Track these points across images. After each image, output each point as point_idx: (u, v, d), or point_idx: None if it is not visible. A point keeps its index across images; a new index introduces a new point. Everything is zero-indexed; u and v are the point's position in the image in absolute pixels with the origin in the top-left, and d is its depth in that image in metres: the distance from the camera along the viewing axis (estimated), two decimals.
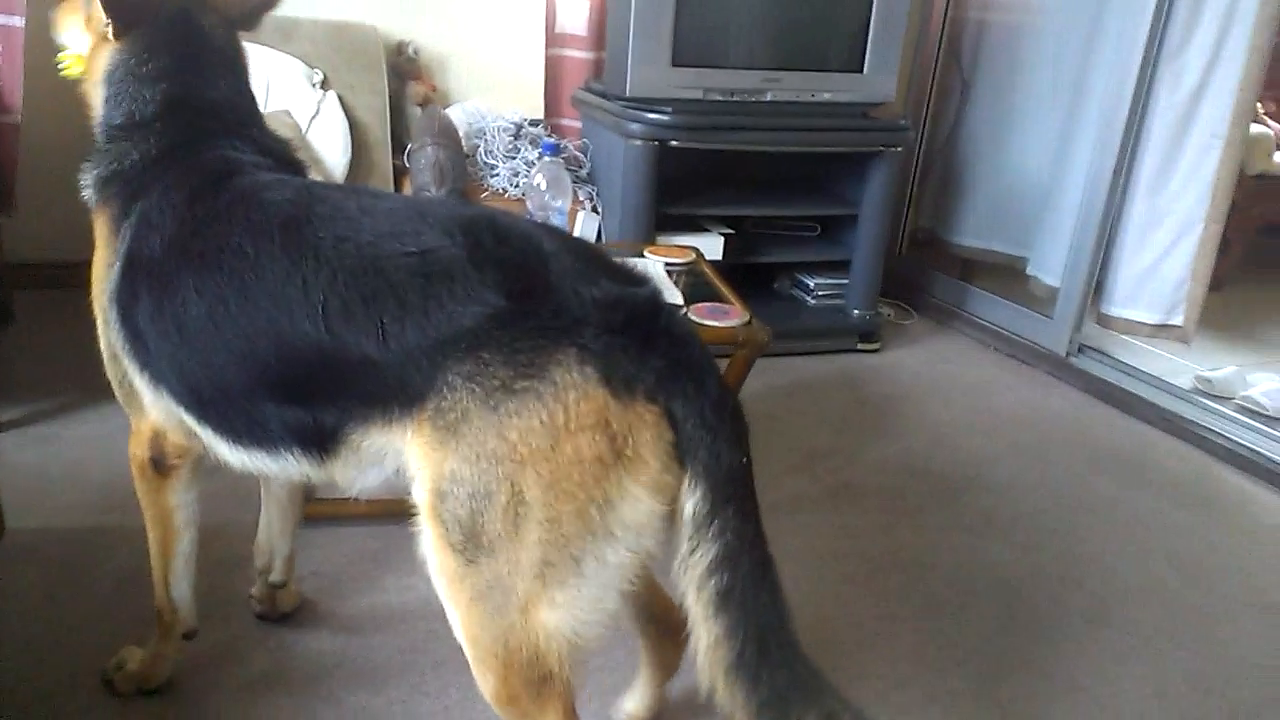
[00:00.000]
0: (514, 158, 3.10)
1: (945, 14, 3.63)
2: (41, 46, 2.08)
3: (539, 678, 1.10)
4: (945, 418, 2.77)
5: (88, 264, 1.31)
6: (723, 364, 1.96)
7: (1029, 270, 3.36)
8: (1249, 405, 2.75)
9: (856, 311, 3.19)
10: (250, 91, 1.41)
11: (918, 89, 3.70)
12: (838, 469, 2.38)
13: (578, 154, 3.16)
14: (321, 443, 1.18)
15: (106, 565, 1.77)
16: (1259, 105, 3.91)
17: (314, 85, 2.84)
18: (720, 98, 2.90)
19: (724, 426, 1.07)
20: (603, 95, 3.02)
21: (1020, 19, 3.50)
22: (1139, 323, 3.02)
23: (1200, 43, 2.78)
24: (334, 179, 2.81)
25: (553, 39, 3.29)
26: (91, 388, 2.06)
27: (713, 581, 1.06)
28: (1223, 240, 2.95)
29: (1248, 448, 2.60)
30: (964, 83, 3.60)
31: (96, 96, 1.34)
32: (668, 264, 2.34)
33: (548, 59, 3.32)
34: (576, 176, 3.11)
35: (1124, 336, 3.11)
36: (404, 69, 3.19)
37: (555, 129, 3.33)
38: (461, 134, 3.04)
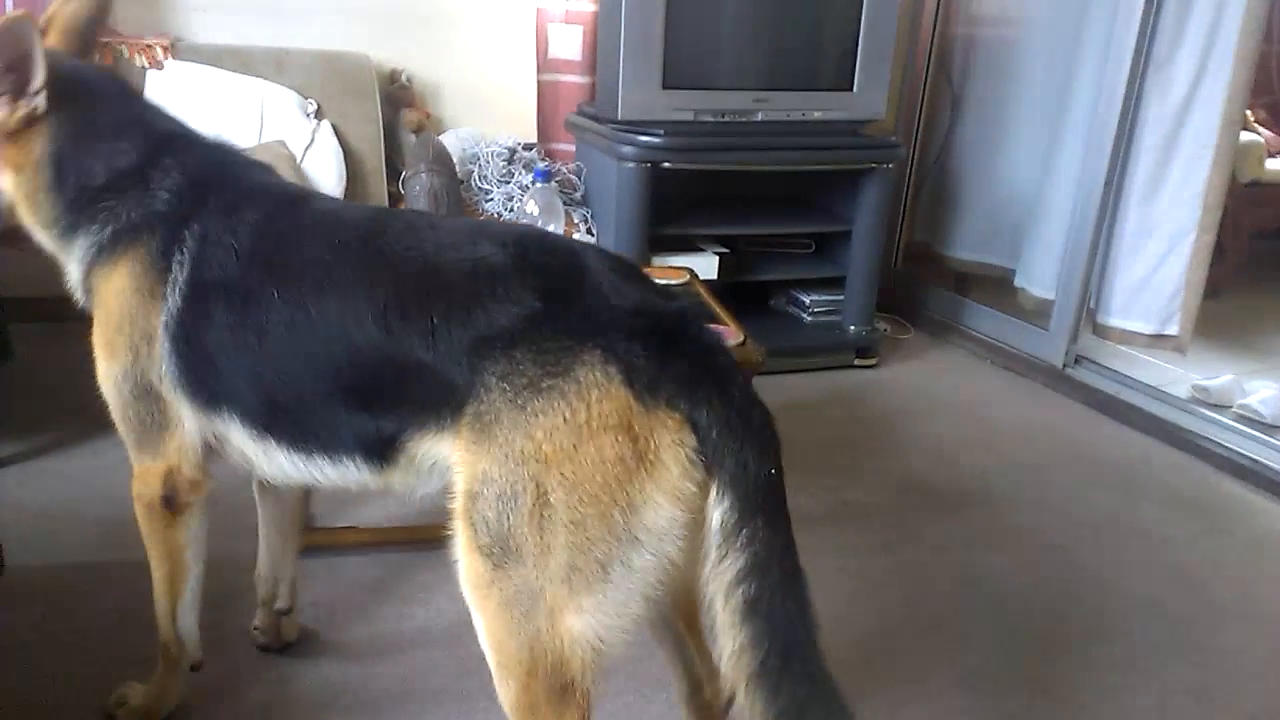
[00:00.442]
0: (508, 182, 3.12)
1: (934, 30, 3.66)
2: None
3: (561, 686, 1.10)
4: (943, 433, 2.77)
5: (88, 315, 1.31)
6: None
7: (1017, 282, 3.37)
8: (1247, 414, 2.75)
9: (853, 327, 3.20)
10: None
11: (908, 105, 3.72)
12: (837, 487, 2.38)
13: (572, 177, 3.18)
14: (382, 451, 1.22)
15: (105, 601, 1.77)
16: (1248, 113, 3.93)
17: (308, 115, 2.86)
18: (711, 119, 2.92)
19: (751, 436, 1.08)
20: (595, 119, 3.04)
21: (1008, 33, 3.53)
22: (1135, 333, 3.03)
23: (1187, 52, 2.80)
24: None
25: (545, 64, 3.31)
26: (89, 423, 2.08)
27: (740, 590, 1.06)
28: (1217, 248, 2.96)
29: (1247, 456, 2.59)
30: (954, 97, 3.62)
31: (40, 179, 1.31)
32: (663, 285, 2.34)
33: (540, 84, 3.34)
34: (571, 199, 3.13)
35: (1120, 347, 3.11)
36: (397, 96, 3.21)
37: (549, 153, 3.35)
38: (456, 160, 3.06)
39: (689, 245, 3.08)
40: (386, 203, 3.01)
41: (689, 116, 2.89)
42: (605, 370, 1.07)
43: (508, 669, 1.12)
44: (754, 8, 2.96)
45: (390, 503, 2.09)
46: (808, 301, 3.25)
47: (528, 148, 3.25)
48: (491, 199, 3.08)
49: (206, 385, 1.28)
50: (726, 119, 2.94)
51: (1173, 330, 2.96)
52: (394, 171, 3.05)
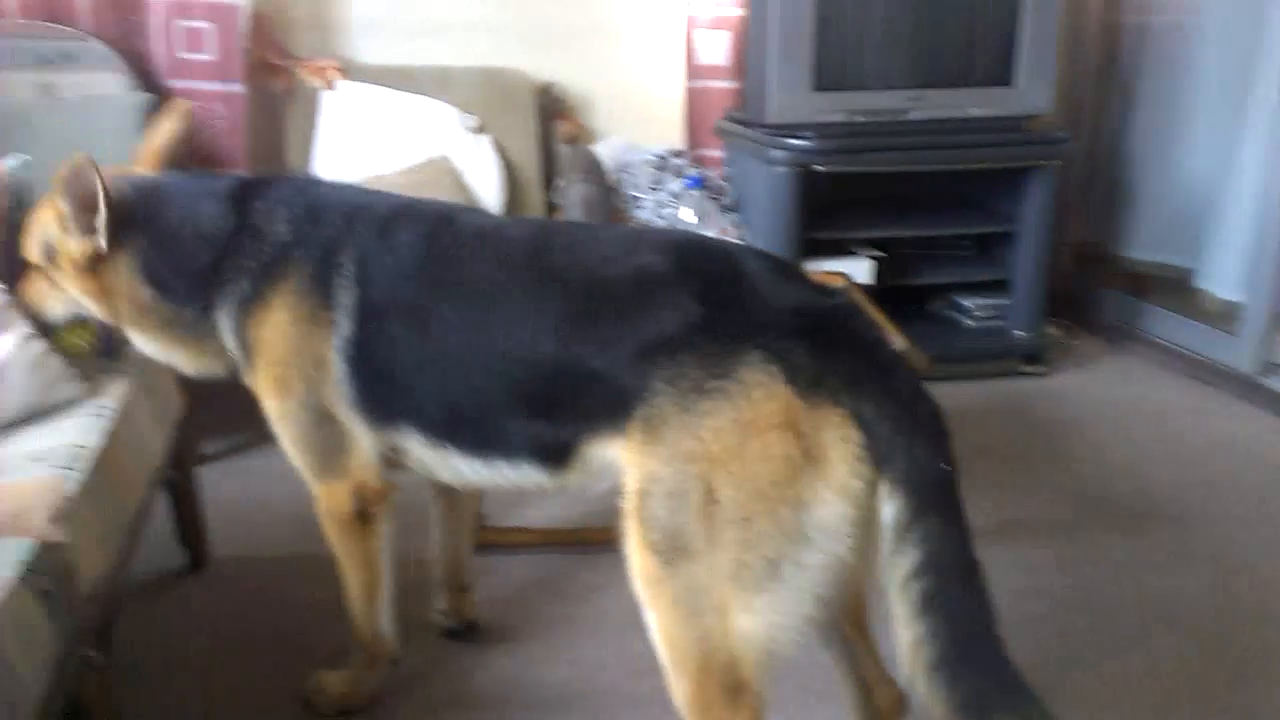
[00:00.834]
0: (658, 189, 3.14)
1: (1101, 18, 3.47)
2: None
3: (733, 685, 1.11)
4: (1122, 445, 2.61)
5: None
6: None
7: (1198, 283, 3.14)
8: None
9: (1019, 333, 3.06)
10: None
11: (1074, 97, 3.54)
12: (1008, 501, 2.29)
13: (721, 183, 3.18)
14: (559, 455, 1.27)
15: (300, 591, 1.89)
16: None
17: (469, 130, 2.97)
18: (864, 119, 2.87)
19: (921, 430, 1.08)
20: (744, 124, 3.03)
21: (1180, 19, 3.31)
22: None
23: None
24: None
25: (693, 71, 3.33)
26: None
27: (916, 585, 1.06)
28: None
29: None
30: (1124, 88, 3.43)
31: (141, 297, 1.38)
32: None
33: (689, 91, 3.36)
34: (720, 205, 3.13)
35: None
36: (551, 109, 3.29)
37: (698, 159, 3.36)
38: (608, 169, 3.11)
39: (842, 249, 3.02)
40: (544, 212, 3.09)
41: (840, 118, 2.85)
42: (766, 369, 1.08)
43: (680, 666, 1.14)
44: (906, 5, 2.88)
45: (555, 504, 2.14)
46: (969, 306, 3.13)
47: (677, 155, 3.27)
48: (642, 206, 3.11)
49: (383, 403, 1.34)
50: (880, 119, 2.87)
51: None
52: (549, 182, 3.13)
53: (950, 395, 2.83)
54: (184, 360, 1.46)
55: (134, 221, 1.36)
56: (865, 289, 2.38)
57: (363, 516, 1.44)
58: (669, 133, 3.39)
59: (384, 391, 1.33)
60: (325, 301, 1.32)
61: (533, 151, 3.09)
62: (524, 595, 1.91)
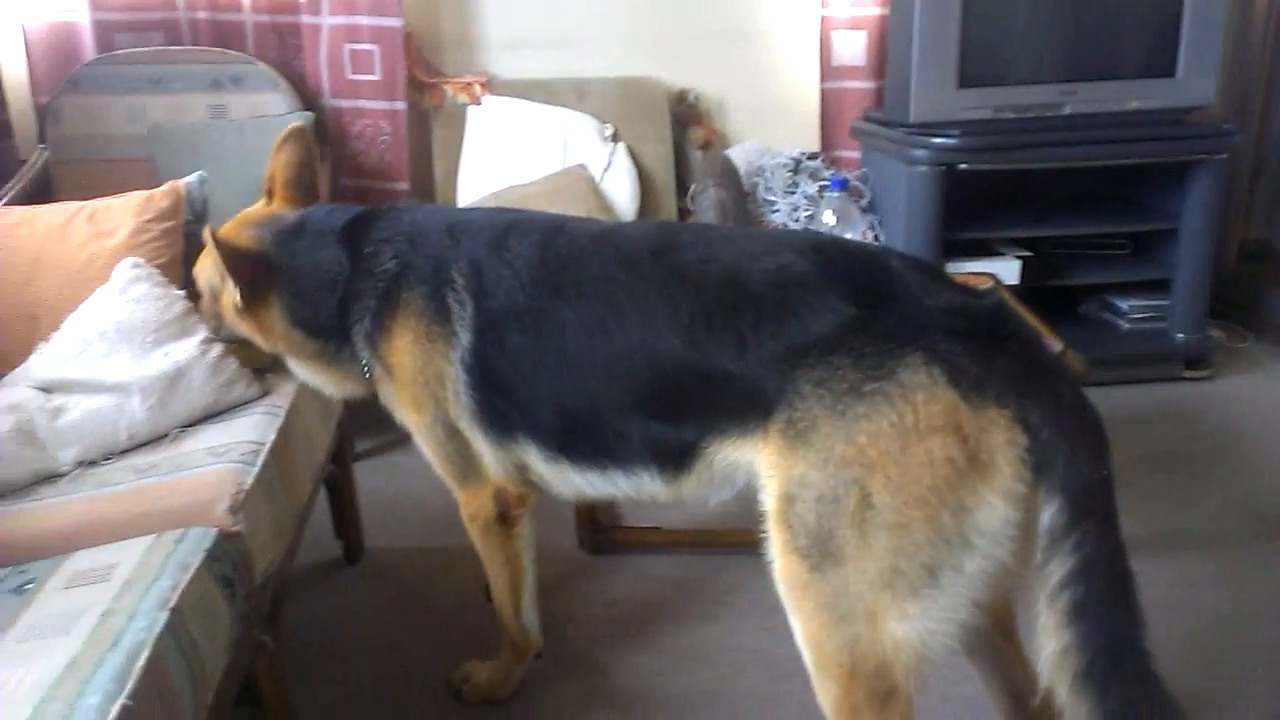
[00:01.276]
0: (793, 193, 3.12)
1: (1269, 2, 3.23)
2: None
3: (884, 691, 1.09)
4: None
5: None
6: None
7: None
8: None
9: (1180, 335, 2.89)
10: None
11: (1241, 88, 3.31)
12: (1168, 512, 2.16)
13: (857, 184, 3.13)
14: (679, 459, 1.26)
15: (448, 583, 1.97)
16: None
17: (605, 139, 3.03)
18: (1012, 115, 2.76)
19: (1082, 438, 1.04)
20: (883, 124, 2.97)
21: None
22: None
23: None
24: None
25: (828, 72, 3.29)
26: None
27: (1067, 593, 1.03)
28: None
29: None
30: None
31: (294, 337, 1.48)
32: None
33: (824, 92, 3.32)
34: (857, 207, 3.08)
35: None
36: (685, 115, 3.31)
37: (832, 161, 3.32)
38: (741, 173, 3.11)
39: (986, 250, 2.92)
40: (677, 219, 3.12)
41: (987, 114, 2.75)
42: (929, 371, 1.05)
43: (826, 670, 1.12)
44: None
45: (690, 507, 2.14)
46: (1124, 307, 2.97)
47: (811, 157, 3.23)
48: (777, 210, 3.10)
49: (503, 414, 1.36)
50: (1030, 115, 2.76)
51: None
52: (683, 188, 3.15)
53: (1106, 400, 2.70)
54: (330, 386, 1.56)
55: (276, 272, 1.45)
56: (1012, 290, 2.30)
57: (504, 520, 1.48)
58: (803, 135, 3.35)
59: (503, 403, 1.35)
60: (440, 317, 1.36)
61: (667, 157, 3.13)
62: (662, 595, 1.92)
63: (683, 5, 3.18)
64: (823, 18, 3.19)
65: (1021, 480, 1.04)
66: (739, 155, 3.21)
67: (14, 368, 1.63)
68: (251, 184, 1.97)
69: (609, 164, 2.98)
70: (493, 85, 3.00)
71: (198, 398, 1.60)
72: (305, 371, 1.56)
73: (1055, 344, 1.89)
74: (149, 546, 1.27)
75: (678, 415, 1.24)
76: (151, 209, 1.84)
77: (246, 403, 1.65)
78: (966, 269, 2.63)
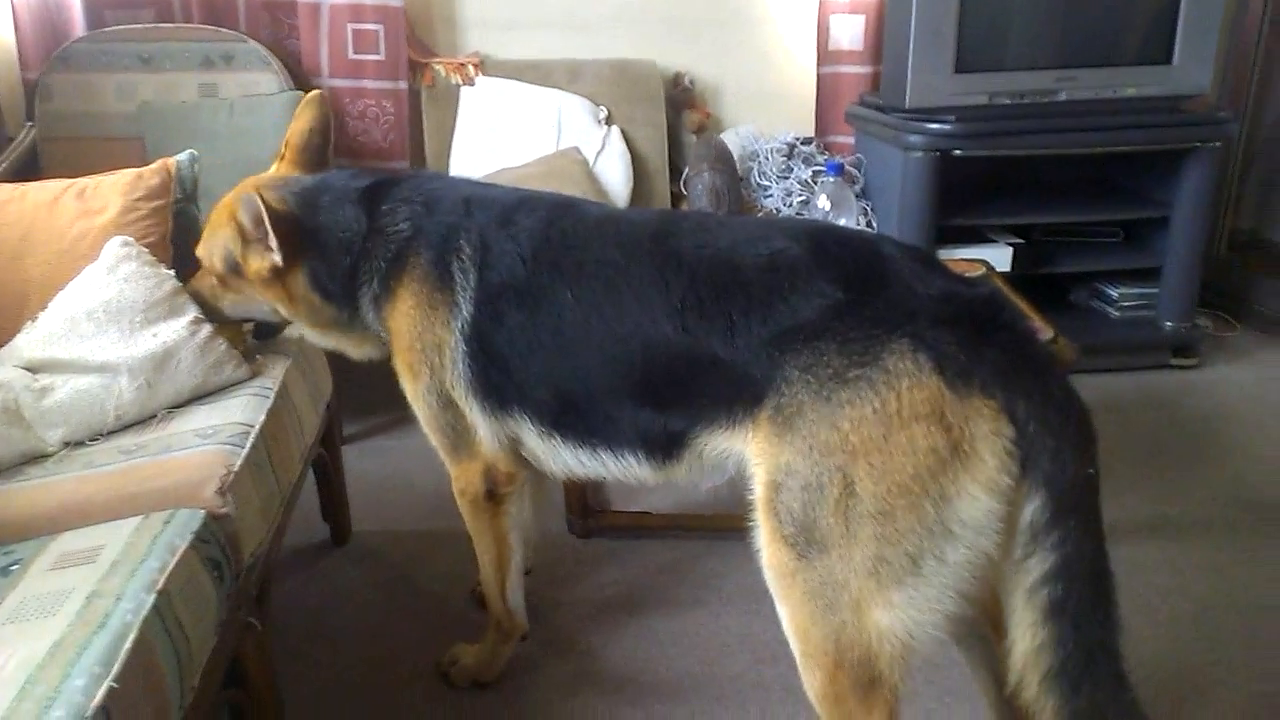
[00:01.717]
0: (787, 177, 3.11)
1: None
2: None
3: (868, 679, 1.10)
4: (1278, 443, 2.44)
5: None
6: None
7: None
8: None
9: (1169, 323, 2.90)
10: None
11: (1235, 76, 3.31)
12: (1155, 499, 2.17)
13: (851, 169, 3.12)
14: (667, 447, 1.26)
15: (436, 565, 1.97)
16: None
17: (599, 121, 3.01)
18: (1008, 101, 2.76)
19: (1070, 432, 1.04)
20: (879, 108, 2.96)
21: None
22: None
23: None
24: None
25: (825, 56, 3.27)
26: None
27: (1045, 591, 1.03)
28: None
29: None
30: None
31: (314, 298, 1.47)
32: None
33: (820, 77, 3.31)
34: (852, 192, 3.07)
35: None
36: (680, 99, 3.30)
37: (826, 146, 3.31)
38: (735, 157, 3.09)
39: (978, 236, 2.93)
40: (669, 203, 3.11)
41: (983, 100, 2.75)
42: (915, 358, 1.04)
43: (812, 658, 1.13)
44: None
45: (679, 491, 2.15)
46: (1115, 295, 2.98)
47: (805, 142, 3.22)
48: (771, 195, 3.09)
49: (498, 388, 1.36)
50: (1026, 100, 2.76)
51: None
52: (676, 172, 3.14)
53: (1094, 387, 2.76)
54: (349, 348, 1.56)
55: (301, 233, 1.44)
56: (1003, 277, 2.30)
57: (493, 496, 1.48)
58: (797, 120, 3.34)
59: (499, 376, 1.35)
60: (444, 285, 1.36)
61: (661, 141, 3.11)
62: (650, 579, 1.93)
63: None
64: (821, 2, 3.17)
65: (1006, 472, 1.03)
66: (733, 139, 3.20)
67: (1, 346, 1.62)
68: (242, 163, 1.96)
69: (602, 147, 2.97)
70: (486, 66, 2.98)
71: (186, 379, 1.59)
72: (324, 338, 1.56)
73: (1046, 331, 1.90)
74: (136, 528, 1.26)
75: (667, 404, 1.24)
76: (141, 187, 1.82)
77: (235, 384, 1.64)
78: (959, 255, 2.63)
